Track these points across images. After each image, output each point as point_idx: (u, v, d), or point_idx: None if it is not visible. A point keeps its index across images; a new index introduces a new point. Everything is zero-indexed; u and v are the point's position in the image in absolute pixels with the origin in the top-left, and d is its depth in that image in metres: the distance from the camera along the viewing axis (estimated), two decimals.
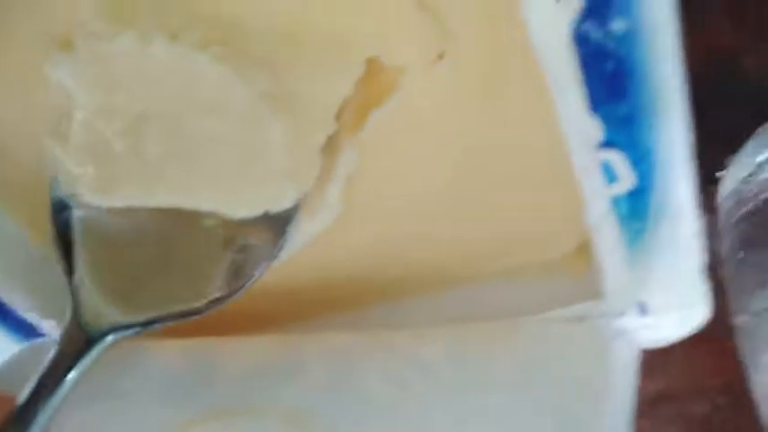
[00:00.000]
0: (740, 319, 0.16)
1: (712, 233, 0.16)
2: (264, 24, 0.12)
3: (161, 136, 0.13)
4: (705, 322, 0.13)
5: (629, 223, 0.12)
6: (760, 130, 0.17)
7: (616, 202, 0.11)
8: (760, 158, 0.17)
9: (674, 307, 0.13)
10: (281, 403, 0.14)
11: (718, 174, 0.17)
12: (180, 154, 0.13)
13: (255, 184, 0.13)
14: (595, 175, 0.11)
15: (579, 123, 0.10)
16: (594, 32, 0.09)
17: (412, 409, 0.14)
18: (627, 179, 0.11)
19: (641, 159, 0.10)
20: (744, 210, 0.17)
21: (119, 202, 0.13)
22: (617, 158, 0.10)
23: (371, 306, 0.16)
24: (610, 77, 0.09)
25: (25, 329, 0.16)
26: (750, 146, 0.17)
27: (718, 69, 0.17)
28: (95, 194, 0.12)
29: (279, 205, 0.13)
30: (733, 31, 0.17)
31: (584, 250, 0.14)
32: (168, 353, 0.16)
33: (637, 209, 0.11)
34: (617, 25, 0.09)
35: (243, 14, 0.12)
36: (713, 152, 0.16)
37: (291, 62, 0.13)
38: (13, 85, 0.13)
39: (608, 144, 0.10)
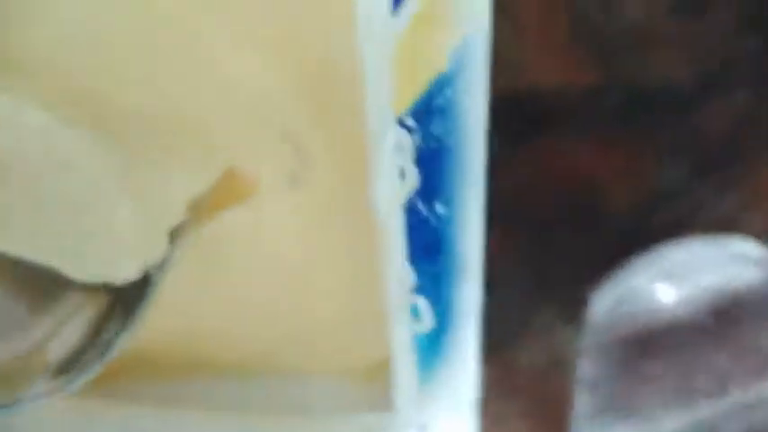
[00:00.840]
0: None
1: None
2: (134, 107, 0.14)
3: (14, 186, 0.14)
4: None
5: (424, 356, 0.15)
6: (623, 263, 0.22)
7: (417, 337, 0.14)
8: (620, 292, 0.21)
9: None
10: None
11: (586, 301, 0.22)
12: (30, 208, 0.14)
13: (95, 253, 0.14)
14: (405, 311, 0.14)
15: (399, 269, 0.13)
16: (422, 208, 0.12)
17: None
18: (428, 321, 0.14)
19: (441, 309, 0.13)
20: (602, 341, 0.21)
21: None
22: (423, 303, 0.13)
23: (179, 381, 0.18)
24: (426, 243, 0.12)
25: None
26: (614, 285, 0.22)
27: (585, 200, 0.21)
28: None
29: (118, 278, 0.14)
30: (600, 161, 0.21)
31: (384, 367, 0.16)
32: None
33: (431, 346, 0.14)
34: (439, 208, 0.11)
35: (114, 93, 0.14)
36: (579, 282, 0.22)
37: (151, 148, 0.14)
38: None
39: (418, 291, 0.13)
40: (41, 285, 0.14)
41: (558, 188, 0.21)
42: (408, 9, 0.09)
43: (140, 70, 0.13)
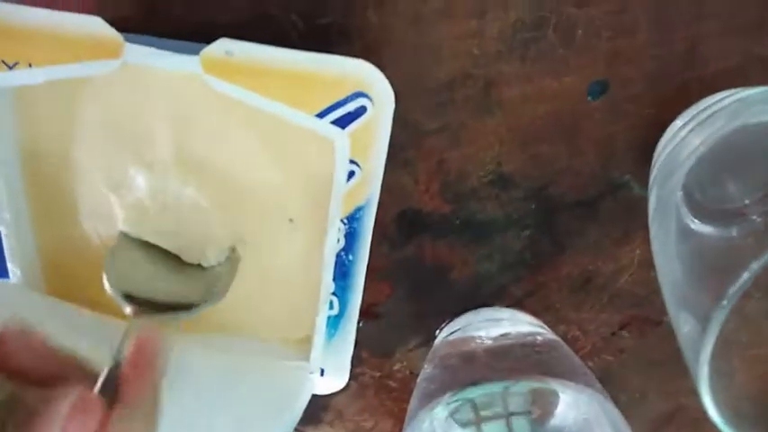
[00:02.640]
0: None
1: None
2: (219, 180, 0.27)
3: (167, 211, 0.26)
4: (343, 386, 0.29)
5: (329, 330, 0.28)
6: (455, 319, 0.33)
7: (329, 318, 0.28)
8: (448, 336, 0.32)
9: (334, 374, 0.29)
10: None
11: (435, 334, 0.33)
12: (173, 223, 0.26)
13: (198, 249, 0.27)
14: (327, 303, 0.27)
15: (329, 281, 0.27)
16: (343, 255, 0.26)
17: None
18: (336, 309, 0.27)
19: (343, 304, 0.27)
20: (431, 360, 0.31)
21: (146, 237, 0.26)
22: (335, 300, 0.27)
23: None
24: (342, 272, 0.26)
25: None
26: (447, 327, 0.33)
27: (437, 275, 0.32)
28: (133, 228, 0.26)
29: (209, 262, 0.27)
30: (449, 255, 0.32)
31: (308, 337, 0.28)
32: None
33: (334, 324, 0.28)
34: (350, 257, 0.26)
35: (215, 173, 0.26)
36: (433, 324, 0.33)
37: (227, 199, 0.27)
38: None
39: (334, 293, 0.27)
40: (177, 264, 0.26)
41: (426, 267, 0.33)
42: (353, 180, 0.24)
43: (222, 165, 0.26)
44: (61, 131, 0.24)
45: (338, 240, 0.25)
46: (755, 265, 0.19)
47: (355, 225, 0.24)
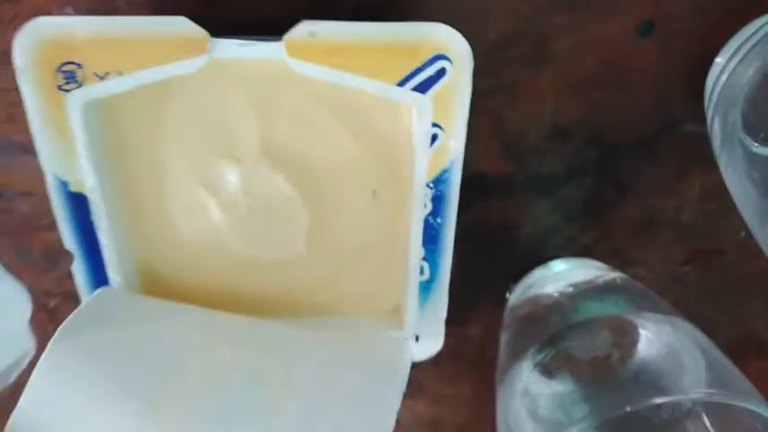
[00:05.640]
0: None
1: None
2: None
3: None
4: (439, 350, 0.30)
5: (421, 296, 0.29)
6: (526, 276, 0.34)
7: (420, 284, 0.29)
8: (523, 293, 0.33)
9: (429, 339, 0.30)
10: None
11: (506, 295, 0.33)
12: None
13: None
14: (417, 270, 0.28)
15: (419, 247, 0.27)
16: (431, 220, 0.27)
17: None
18: (426, 275, 0.28)
19: (434, 268, 0.28)
20: (511, 320, 0.32)
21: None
22: (425, 265, 0.28)
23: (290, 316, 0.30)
24: (431, 236, 0.27)
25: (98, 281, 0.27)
26: (520, 285, 0.34)
27: (502, 235, 0.33)
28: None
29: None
30: (515, 214, 0.33)
31: (399, 307, 0.29)
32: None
33: (425, 290, 0.28)
34: (438, 221, 0.26)
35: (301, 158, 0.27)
36: (504, 286, 0.34)
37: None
38: None
39: (424, 258, 0.28)
40: None
41: (492, 228, 0.34)
42: (437, 143, 0.24)
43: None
44: (149, 134, 0.25)
45: (425, 205, 0.25)
46: None
47: (442, 188, 0.25)
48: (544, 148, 0.32)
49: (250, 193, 0.26)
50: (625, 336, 0.33)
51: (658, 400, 0.26)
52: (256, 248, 0.27)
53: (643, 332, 0.33)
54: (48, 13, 0.26)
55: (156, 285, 0.27)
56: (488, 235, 0.34)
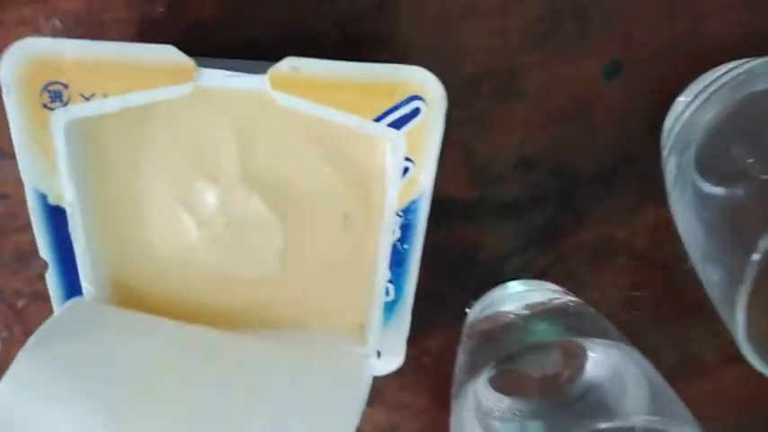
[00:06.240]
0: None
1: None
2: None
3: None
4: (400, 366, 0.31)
5: (385, 315, 0.30)
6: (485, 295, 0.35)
7: (385, 304, 0.30)
8: (481, 312, 0.34)
9: (391, 355, 0.31)
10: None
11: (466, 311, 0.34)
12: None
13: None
14: (382, 291, 0.29)
15: (385, 270, 0.29)
16: (399, 245, 0.28)
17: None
18: (391, 295, 0.29)
19: (399, 290, 0.29)
20: (468, 336, 0.33)
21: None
22: (390, 286, 0.29)
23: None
24: (398, 260, 0.28)
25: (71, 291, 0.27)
26: (478, 303, 0.35)
27: (465, 257, 0.34)
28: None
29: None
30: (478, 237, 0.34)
31: (364, 323, 0.29)
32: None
33: (390, 310, 0.30)
34: (405, 246, 0.28)
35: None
36: (464, 304, 0.35)
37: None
38: None
39: (390, 281, 0.29)
40: None
41: (456, 249, 0.35)
42: (408, 175, 0.26)
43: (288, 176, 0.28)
44: (131, 153, 0.25)
45: (393, 231, 0.27)
46: None
47: (410, 216, 0.26)
48: (510, 177, 0.34)
49: (227, 213, 0.26)
50: (574, 357, 0.35)
51: (603, 426, 0.27)
52: (230, 266, 0.27)
53: (591, 354, 0.35)
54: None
55: (129, 298, 0.27)
56: (452, 256, 0.35)
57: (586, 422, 0.28)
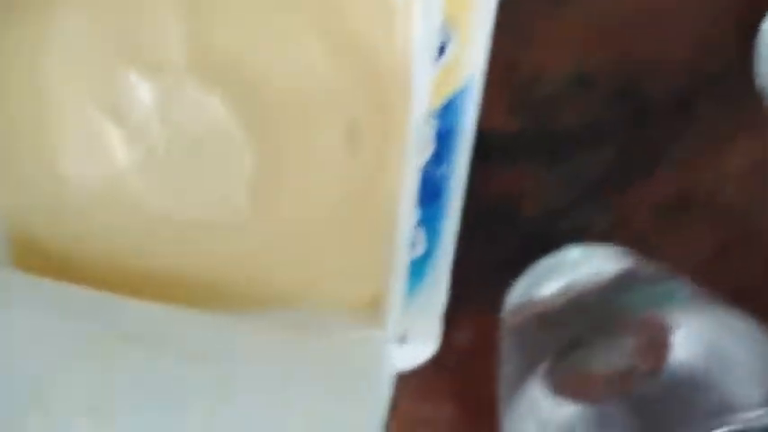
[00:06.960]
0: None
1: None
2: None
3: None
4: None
5: (413, 280, 0.22)
6: (532, 265, 0.30)
7: (412, 263, 0.22)
8: (529, 288, 0.29)
9: (419, 339, 0.23)
10: None
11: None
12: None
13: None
14: (406, 244, 0.21)
15: (408, 214, 0.21)
16: (430, 168, 0.20)
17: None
18: (420, 248, 0.21)
19: (432, 237, 0.21)
20: (516, 322, 0.28)
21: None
22: (420, 233, 0.21)
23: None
24: (430, 192, 0.20)
25: None
26: (525, 277, 0.30)
27: (503, 211, 0.29)
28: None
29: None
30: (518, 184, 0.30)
31: (378, 298, 0.23)
32: None
33: (420, 270, 0.22)
34: (441, 169, 0.20)
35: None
36: (502, 277, 0.29)
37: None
38: None
39: (419, 224, 0.21)
40: None
41: (489, 202, 0.29)
42: (447, 54, 0.18)
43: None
44: (29, 34, 0.19)
45: (423, 148, 0.19)
46: None
47: (450, 121, 0.19)
48: (562, 102, 0.29)
49: (170, 122, 0.20)
50: (655, 341, 0.29)
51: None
52: (177, 204, 0.21)
53: (679, 334, 0.29)
54: None
55: (32, 255, 0.21)
56: (484, 211, 0.29)
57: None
